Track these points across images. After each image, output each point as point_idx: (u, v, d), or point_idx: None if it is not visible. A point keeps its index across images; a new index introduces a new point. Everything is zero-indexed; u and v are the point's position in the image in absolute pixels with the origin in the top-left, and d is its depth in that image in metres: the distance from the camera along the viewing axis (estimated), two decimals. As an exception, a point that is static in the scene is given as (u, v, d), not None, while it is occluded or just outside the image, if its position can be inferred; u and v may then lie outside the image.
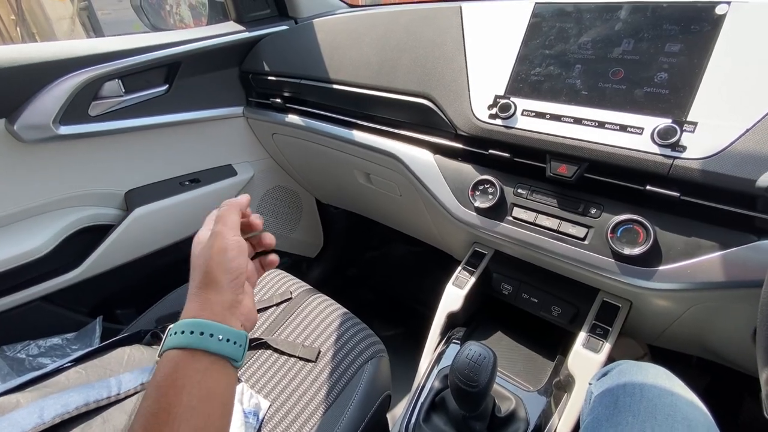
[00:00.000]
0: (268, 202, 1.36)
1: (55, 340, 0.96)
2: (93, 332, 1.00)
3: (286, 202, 1.42)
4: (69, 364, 0.65)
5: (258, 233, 0.49)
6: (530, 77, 0.63)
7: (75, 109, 0.88)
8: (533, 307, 0.80)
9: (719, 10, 0.50)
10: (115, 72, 0.90)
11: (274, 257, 0.51)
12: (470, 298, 0.82)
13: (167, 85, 1.00)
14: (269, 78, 1.06)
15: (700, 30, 0.51)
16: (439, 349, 0.78)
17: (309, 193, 1.47)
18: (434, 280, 0.96)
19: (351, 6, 1.28)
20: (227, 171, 1.19)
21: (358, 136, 0.92)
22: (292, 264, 1.53)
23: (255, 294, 0.89)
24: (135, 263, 1.08)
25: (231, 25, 1.09)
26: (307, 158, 1.18)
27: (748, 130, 0.47)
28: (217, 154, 1.17)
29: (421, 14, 0.79)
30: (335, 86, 0.93)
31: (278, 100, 1.07)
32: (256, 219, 0.49)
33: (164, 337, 0.38)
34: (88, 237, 0.99)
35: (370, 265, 1.76)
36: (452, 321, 0.82)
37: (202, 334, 0.36)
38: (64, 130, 0.88)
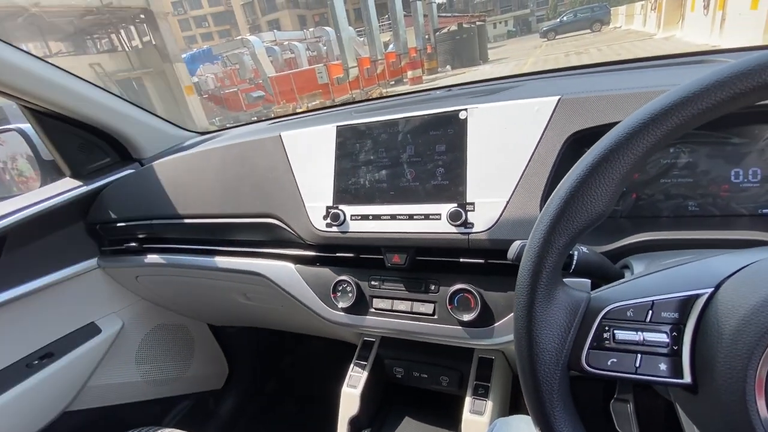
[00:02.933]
0: (151, 347, 1.23)
1: None
2: None
3: (172, 340, 1.29)
4: None
5: None
6: (349, 187, 0.72)
7: None
8: (425, 383, 0.82)
9: (461, 115, 0.65)
10: None
11: None
12: (368, 394, 0.82)
13: (-9, 264, 0.90)
14: (120, 225, 1.02)
15: (454, 132, 0.65)
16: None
17: (198, 321, 1.37)
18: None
19: (202, 134, 1.34)
20: (89, 331, 1.06)
21: (221, 261, 0.92)
22: (195, 406, 1.35)
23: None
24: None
25: (68, 182, 1.04)
26: (180, 291, 1.12)
27: (507, 203, 0.59)
28: (73, 316, 1.05)
29: (249, 145, 0.86)
30: (187, 221, 0.93)
31: (134, 244, 1.03)
32: None
33: None
34: None
35: (289, 372, 1.65)
36: (356, 425, 0.80)
37: None
38: None
